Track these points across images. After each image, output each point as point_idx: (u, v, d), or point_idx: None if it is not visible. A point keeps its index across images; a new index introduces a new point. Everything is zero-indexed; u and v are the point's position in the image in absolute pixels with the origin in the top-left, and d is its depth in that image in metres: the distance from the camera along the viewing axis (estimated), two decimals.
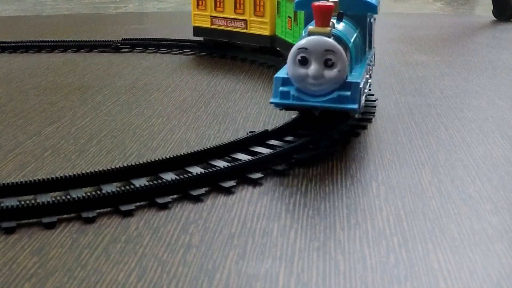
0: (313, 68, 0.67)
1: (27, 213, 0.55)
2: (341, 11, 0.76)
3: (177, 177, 0.61)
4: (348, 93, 0.67)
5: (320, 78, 0.67)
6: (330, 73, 0.67)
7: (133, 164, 0.63)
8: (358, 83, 0.68)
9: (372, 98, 0.92)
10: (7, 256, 0.50)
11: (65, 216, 0.56)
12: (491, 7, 1.81)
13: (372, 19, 0.87)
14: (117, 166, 0.62)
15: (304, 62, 0.67)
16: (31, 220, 0.55)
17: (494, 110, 0.88)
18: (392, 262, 0.48)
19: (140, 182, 0.61)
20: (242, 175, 0.64)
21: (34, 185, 0.59)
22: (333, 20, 0.72)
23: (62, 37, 1.55)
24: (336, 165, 0.68)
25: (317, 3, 0.68)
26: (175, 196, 0.60)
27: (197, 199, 0.60)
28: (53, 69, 1.19)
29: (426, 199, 0.59)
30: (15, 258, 0.49)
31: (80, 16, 2.06)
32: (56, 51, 1.37)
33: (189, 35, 1.35)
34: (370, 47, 0.87)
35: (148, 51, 1.36)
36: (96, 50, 1.37)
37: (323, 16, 0.68)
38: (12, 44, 1.39)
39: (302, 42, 0.68)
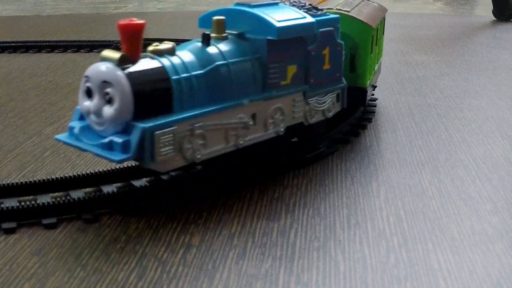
0: (93, 102, 0.53)
1: (27, 213, 0.55)
2: (225, 32, 0.61)
3: (177, 177, 0.61)
4: (121, 139, 0.51)
5: (100, 115, 0.53)
6: (107, 111, 0.52)
7: (133, 164, 0.63)
8: (144, 129, 0.51)
9: (372, 98, 0.92)
10: (7, 256, 0.50)
11: (65, 216, 0.56)
12: (491, 7, 1.81)
13: (321, 45, 0.65)
14: (117, 167, 0.62)
15: (89, 93, 0.53)
16: (31, 221, 0.55)
17: (494, 110, 0.88)
18: (392, 262, 0.48)
19: (140, 183, 0.61)
20: (241, 175, 0.64)
21: (34, 186, 0.59)
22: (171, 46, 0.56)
23: (62, 37, 1.54)
24: (336, 165, 0.68)
25: (122, 21, 0.52)
26: (174, 196, 0.60)
27: (197, 199, 0.59)
28: (53, 69, 1.19)
29: (426, 199, 0.59)
30: (15, 258, 0.49)
31: (80, 16, 2.06)
32: (56, 51, 1.37)
33: (189, 35, 1.34)
34: (305, 83, 0.64)
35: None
36: (96, 50, 1.37)
37: (127, 38, 0.53)
38: (12, 44, 1.39)
39: (88, 68, 0.54)
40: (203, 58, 0.57)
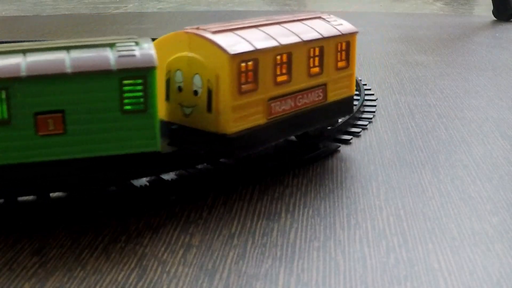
0: None
1: (27, 213, 0.55)
2: None
3: (177, 177, 0.61)
4: None
5: None
6: None
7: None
8: None
9: (372, 98, 0.92)
10: (7, 256, 0.50)
11: (65, 216, 0.56)
12: (491, 7, 1.81)
13: None
14: None
15: None
16: (31, 220, 0.55)
17: (494, 110, 0.88)
18: (392, 262, 0.48)
19: (140, 183, 0.61)
20: (241, 175, 0.64)
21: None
22: None
23: (62, 37, 1.55)
24: (336, 165, 0.68)
25: None
26: (175, 195, 0.60)
27: (197, 198, 0.59)
28: None
29: (426, 199, 0.59)
30: (15, 258, 0.49)
31: (80, 16, 2.06)
32: None
33: None
34: None
35: None
36: None
37: None
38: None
39: None
40: None
